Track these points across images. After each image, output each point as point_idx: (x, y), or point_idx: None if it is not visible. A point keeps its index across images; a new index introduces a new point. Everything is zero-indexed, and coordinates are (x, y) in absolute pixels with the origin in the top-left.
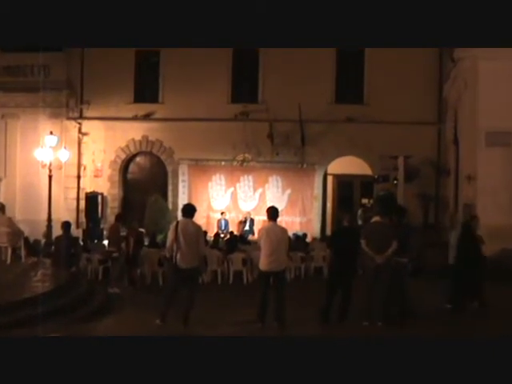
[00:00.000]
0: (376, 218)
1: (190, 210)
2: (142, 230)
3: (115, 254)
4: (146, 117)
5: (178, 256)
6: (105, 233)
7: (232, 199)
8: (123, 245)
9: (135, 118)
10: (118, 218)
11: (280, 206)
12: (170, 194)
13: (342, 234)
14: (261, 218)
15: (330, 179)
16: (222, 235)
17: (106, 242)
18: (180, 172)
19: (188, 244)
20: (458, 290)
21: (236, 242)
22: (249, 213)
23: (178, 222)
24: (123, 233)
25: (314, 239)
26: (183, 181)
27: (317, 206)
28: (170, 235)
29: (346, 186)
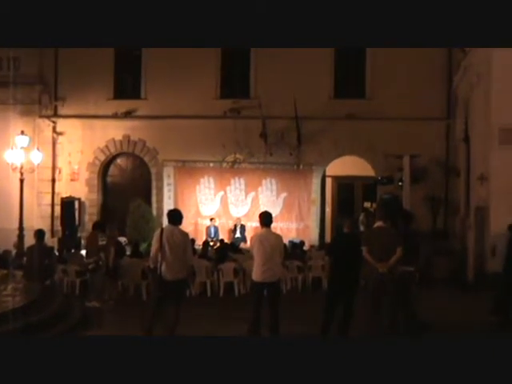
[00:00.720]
0: (379, 223)
1: (176, 216)
2: (123, 238)
3: (92, 266)
4: (128, 114)
5: (163, 267)
6: (82, 242)
7: (222, 204)
8: (102, 255)
9: (115, 116)
10: (97, 225)
11: (274, 211)
12: (154, 198)
13: (342, 241)
14: (253, 225)
15: (328, 181)
16: (212, 243)
17: (83, 252)
18: (165, 175)
19: (174, 253)
20: (507, 300)
21: (227, 250)
22: (240, 219)
23: (162, 230)
24: (103, 242)
25: (311, 247)
26: (168, 184)
27: (315, 210)
28: (155, 244)
29: (346, 189)
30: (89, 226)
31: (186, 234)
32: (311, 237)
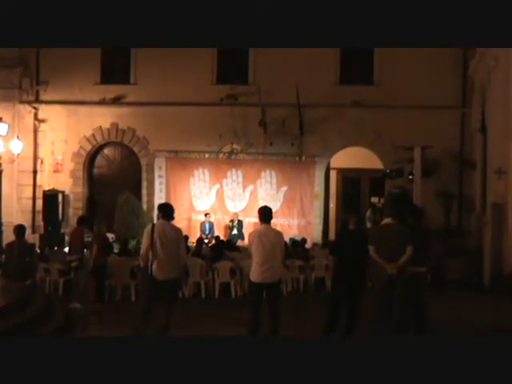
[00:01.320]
0: (387, 220)
1: (168, 211)
2: (111, 235)
3: (74, 264)
4: (116, 100)
5: (154, 265)
6: (66, 238)
7: (218, 198)
8: (88, 253)
9: (103, 102)
10: (82, 220)
11: (274, 206)
12: (144, 191)
13: (347, 238)
14: (252, 220)
15: (333, 174)
16: (207, 240)
17: (67, 250)
18: (156, 166)
19: (166, 251)
20: None
21: (223, 248)
22: (237, 214)
23: (153, 225)
24: (88, 238)
25: (314, 245)
26: (160, 176)
27: (318, 205)
28: (145, 241)
29: (352, 183)
30: (73, 221)
31: (179, 230)
32: (314, 234)
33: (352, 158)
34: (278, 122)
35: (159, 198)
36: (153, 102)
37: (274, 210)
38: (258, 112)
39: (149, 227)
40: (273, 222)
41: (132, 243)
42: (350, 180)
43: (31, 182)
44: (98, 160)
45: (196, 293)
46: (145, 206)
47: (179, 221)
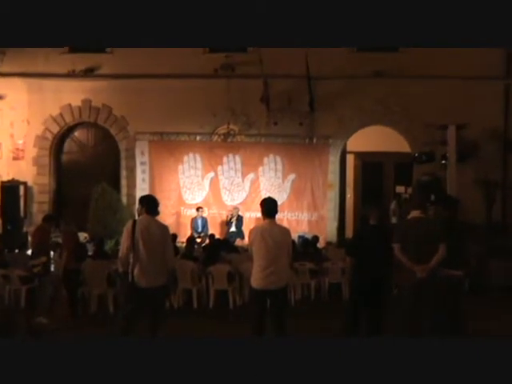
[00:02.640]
0: (415, 214)
1: (151, 204)
2: (83, 234)
3: (38, 269)
4: (88, 73)
5: (136, 270)
6: (30, 239)
7: (212, 189)
8: (56, 256)
9: (72, 75)
10: (49, 217)
11: (280, 198)
12: (123, 182)
13: (367, 236)
14: (253, 215)
15: (350, 159)
16: (199, 240)
17: (30, 253)
18: (138, 151)
19: (150, 253)
20: None
21: (218, 249)
22: (236, 208)
23: (135, 222)
24: (56, 238)
25: (328, 244)
26: (142, 164)
27: (332, 197)
28: (125, 241)
29: (373, 169)
30: (38, 218)
31: (165, 228)
32: (327, 231)
33: (373, 139)
34: (283, 98)
35: (141, 190)
36: (133, 75)
37: (279, 203)
38: (259, 85)
39: (129, 224)
40: (278, 216)
41: (109, 244)
42: (371, 166)
43: None
44: (68, 144)
45: (186, 302)
46: (124, 200)
47: (166, 217)
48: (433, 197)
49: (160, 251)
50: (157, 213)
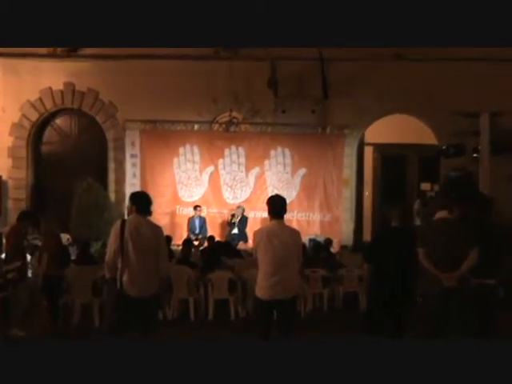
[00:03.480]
0: (443, 214)
1: (143, 202)
2: (66, 235)
3: (12, 275)
4: (71, 52)
5: (125, 277)
6: (4, 241)
7: (212, 185)
8: (34, 260)
9: (53, 55)
10: (23, 215)
11: (289, 196)
12: (111, 177)
13: (388, 239)
14: (258, 215)
15: (368, 152)
16: (197, 243)
17: (4, 256)
18: (128, 142)
19: (140, 257)
20: None
21: (218, 253)
22: (239, 206)
23: (124, 222)
24: (34, 240)
25: (343, 248)
26: (133, 156)
27: (348, 195)
28: (112, 243)
29: (394, 163)
30: (13, 217)
31: (158, 229)
32: (342, 234)
33: (394, 129)
34: (293, 82)
35: (132, 186)
36: (122, 55)
37: (288, 201)
38: (266, 68)
39: (117, 225)
40: (287, 217)
41: (95, 247)
42: (392, 160)
43: None
44: (48, 134)
45: (183, 313)
46: (112, 197)
47: (159, 216)
48: (462, 195)
49: (152, 255)
50: (149, 212)
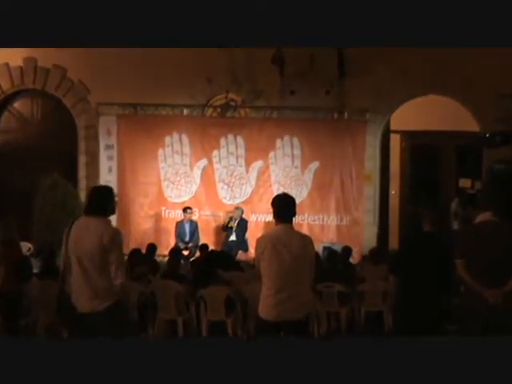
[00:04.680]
0: (486, 216)
1: (92, 199)
2: (27, 244)
3: None
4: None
5: (74, 290)
6: None
7: (205, 182)
8: None
9: None
10: None
11: (298, 195)
12: (82, 172)
13: (419, 248)
14: (261, 219)
15: (395, 141)
16: (186, 252)
17: None
18: (102, 130)
19: (82, 266)
20: None
21: (213, 264)
22: (238, 208)
23: (71, 225)
24: None
25: (364, 258)
26: (109, 147)
27: (370, 193)
28: (63, 252)
29: (426, 155)
30: None
31: (108, 230)
32: (363, 241)
33: (426, 113)
34: (302, 58)
35: (107, 184)
36: None
37: (297, 202)
38: None
39: (66, 230)
40: (296, 220)
41: (63, 257)
42: (424, 150)
43: None
44: (4, 120)
45: (170, 336)
46: (83, 196)
47: (142, 220)
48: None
49: (96, 264)
50: (103, 211)
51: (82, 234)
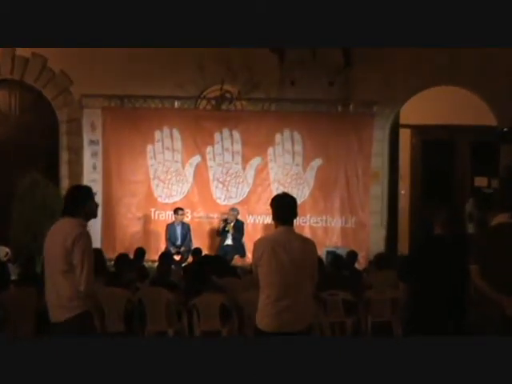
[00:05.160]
0: (504, 218)
1: (68, 199)
2: (4, 249)
3: None
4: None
5: (46, 298)
6: None
7: (198, 181)
8: None
9: None
10: None
11: (300, 195)
12: (63, 171)
13: (431, 252)
14: (259, 220)
15: (405, 136)
16: (178, 257)
17: None
18: (86, 124)
19: (50, 271)
20: None
21: (207, 271)
22: (233, 209)
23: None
24: None
25: (370, 263)
26: (93, 143)
27: (377, 193)
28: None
29: (439, 151)
30: None
31: (74, 232)
32: (371, 244)
33: (439, 106)
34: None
35: (92, 183)
36: None
37: (299, 202)
38: None
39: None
40: (297, 222)
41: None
42: (437, 146)
43: None
44: None
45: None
46: None
47: (129, 222)
48: None
49: (61, 268)
50: (74, 212)
51: (52, 237)
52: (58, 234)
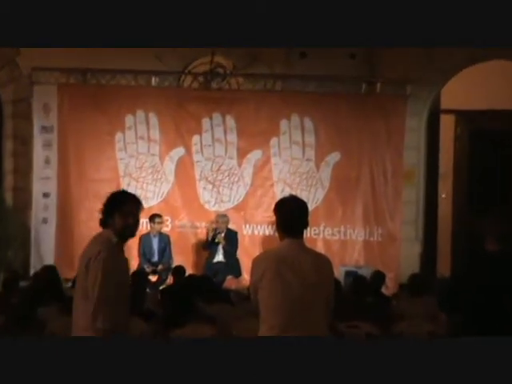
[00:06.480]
0: None
1: (103, 206)
2: None
3: None
4: None
5: None
6: None
7: (180, 179)
8: None
9: None
10: None
11: (312, 199)
12: (8, 165)
13: (481, 273)
14: (258, 231)
15: (447, 124)
16: (155, 278)
17: None
18: (37, 106)
19: (75, 292)
20: None
21: (192, 295)
22: (224, 216)
23: None
24: None
25: (402, 288)
26: (46, 129)
27: (412, 196)
28: None
29: (492, 145)
30: None
31: (90, 248)
32: (401, 263)
33: (491, 87)
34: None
35: (43, 181)
36: None
37: (310, 208)
38: None
39: None
40: (308, 234)
41: None
42: (488, 138)
43: None
44: None
45: None
46: (9, 199)
47: (91, 233)
48: None
49: (79, 293)
50: (107, 224)
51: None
52: (85, 248)
